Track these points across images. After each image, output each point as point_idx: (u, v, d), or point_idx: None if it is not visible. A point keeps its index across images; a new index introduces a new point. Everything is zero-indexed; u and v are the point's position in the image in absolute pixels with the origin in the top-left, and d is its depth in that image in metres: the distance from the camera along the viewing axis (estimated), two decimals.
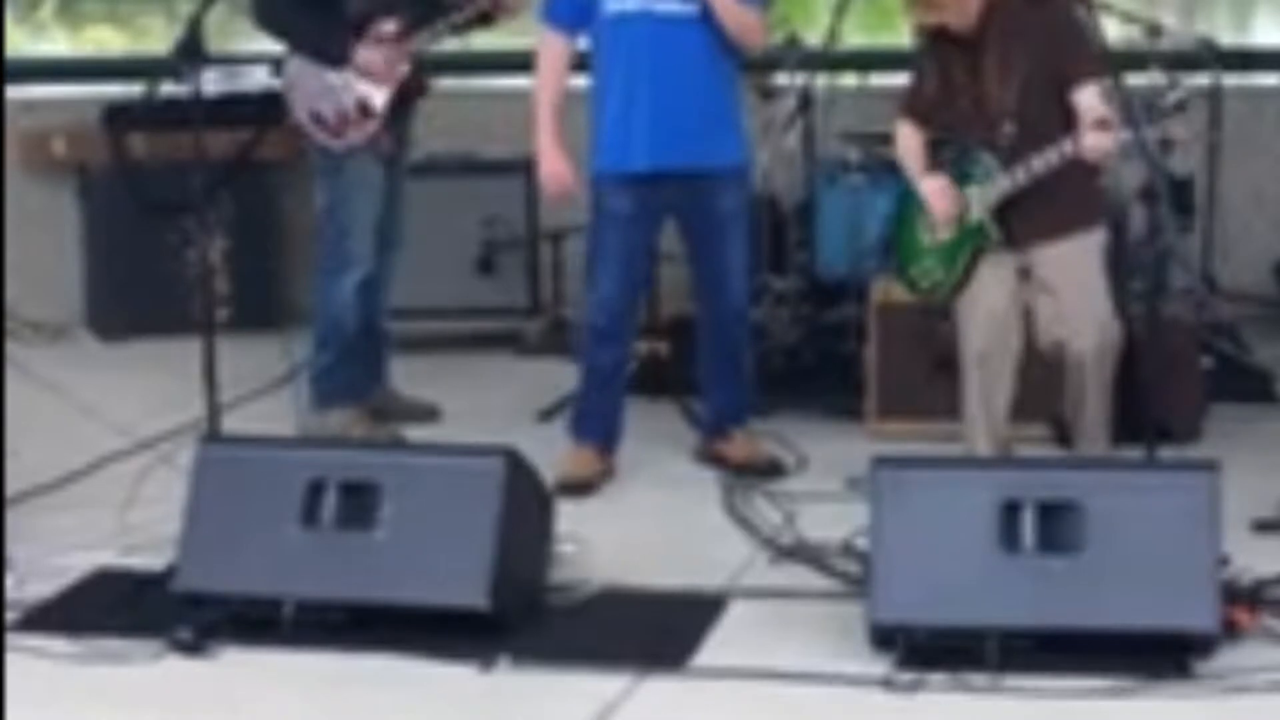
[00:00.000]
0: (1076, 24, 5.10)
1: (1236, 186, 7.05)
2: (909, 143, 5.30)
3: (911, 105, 5.30)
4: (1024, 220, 5.10)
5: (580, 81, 5.64)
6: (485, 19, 5.96)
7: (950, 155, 5.23)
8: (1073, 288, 5.10)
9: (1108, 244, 5.29)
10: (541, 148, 5.51)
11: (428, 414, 6.24)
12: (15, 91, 7.69)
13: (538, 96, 5.53)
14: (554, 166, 5.50)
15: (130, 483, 5.38)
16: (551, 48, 5.51)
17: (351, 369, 6.03)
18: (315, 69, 5.80)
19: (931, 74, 5.23)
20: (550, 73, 5.51)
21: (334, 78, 5.79)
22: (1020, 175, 5.02)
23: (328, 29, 5.78)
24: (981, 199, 5.11)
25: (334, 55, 5.78)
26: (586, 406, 5.63)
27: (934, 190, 5.20)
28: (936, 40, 5.19)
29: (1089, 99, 4.95)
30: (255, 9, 5.89)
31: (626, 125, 5.38)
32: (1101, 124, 4.84)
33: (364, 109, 5.82)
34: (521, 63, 6.09)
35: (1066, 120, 4.98)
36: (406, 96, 5.93)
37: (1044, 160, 4.96)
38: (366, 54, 5.78)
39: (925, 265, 5.30)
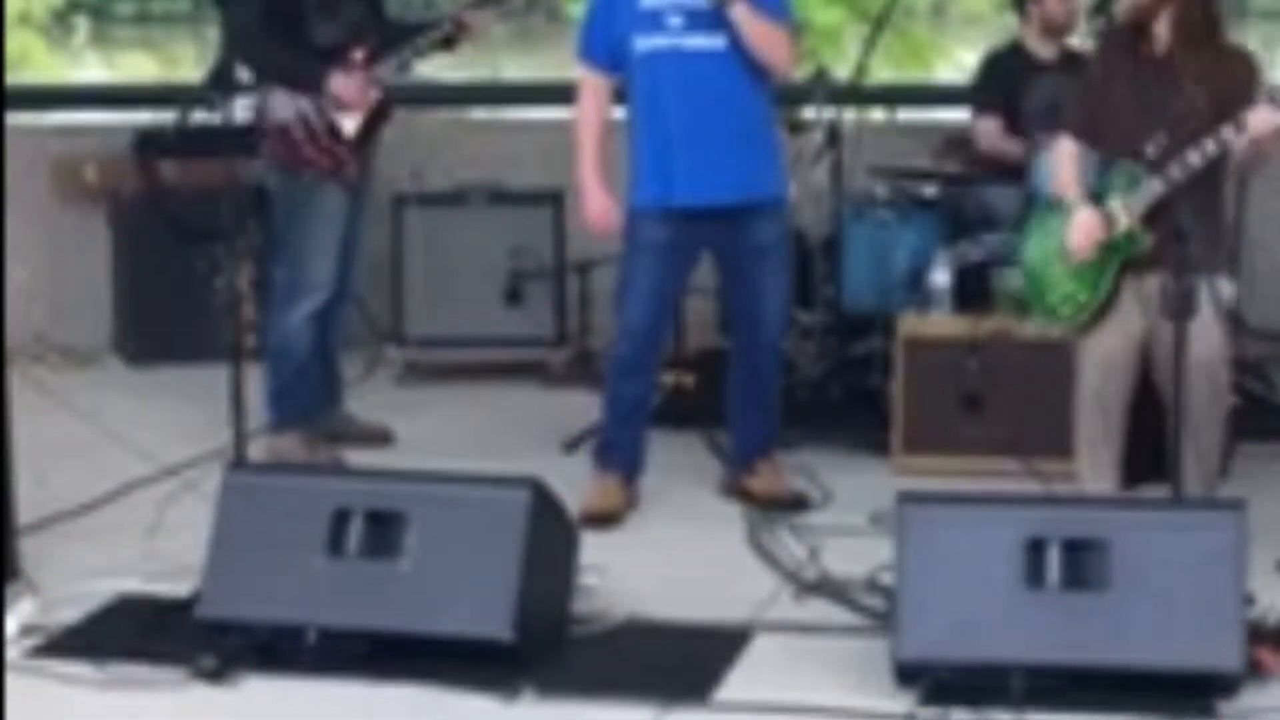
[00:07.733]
0: (1257, 73, 5.11)
1: (1265, 224, 7.02)
2: (1065, 167, 5.26)
3: (1081, 122, 5.26)
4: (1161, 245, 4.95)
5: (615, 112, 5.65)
6: (448, 43, 6.02)
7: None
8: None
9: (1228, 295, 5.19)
10: (585, 184, 5.50)
11: (382, 438, 6.25)
12: (48, 117, 7.73)
13: (580, 132, 5.52)
14: (599, 204, 5.49)
15: (155, 509, 5.40)
16: (590, 85, 5.52)
17: (302, 393, 6.03)
18: (288, 94, 5.82)
19: (1109, 87, 5.16)
20: (591, 110, 5.51)
21: (306, 103, 5.81)
22: (1175, 172, 4.95)
23: (300, 56, 5.82)
24: (1128, 208, 5.06)
25: (307, 80, 5.81)
26: (611, 438, 5.62)
27: (1081, 222, 5.12)
28: (1117, 48, 5.16)
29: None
30: (230, 39, 5.99)
31: (665, 162, 5.37)
32: (1273, 100, 4.82)
33: (334, 134, 5.85)
34: (549, 93, 6.09)
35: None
36: (373, 124, 5.96)
37: (1200, 152, 4.91)
38: (340, 81, 5.81)
39: (1067, 290, 5.21)
